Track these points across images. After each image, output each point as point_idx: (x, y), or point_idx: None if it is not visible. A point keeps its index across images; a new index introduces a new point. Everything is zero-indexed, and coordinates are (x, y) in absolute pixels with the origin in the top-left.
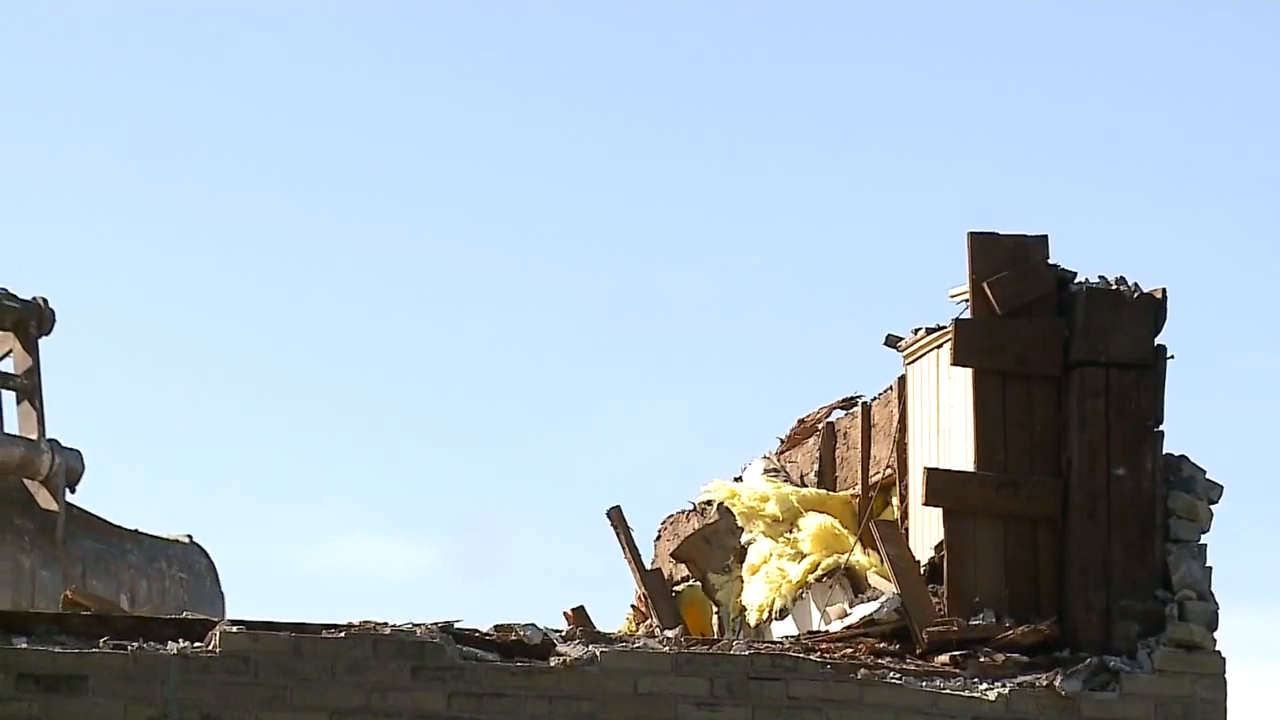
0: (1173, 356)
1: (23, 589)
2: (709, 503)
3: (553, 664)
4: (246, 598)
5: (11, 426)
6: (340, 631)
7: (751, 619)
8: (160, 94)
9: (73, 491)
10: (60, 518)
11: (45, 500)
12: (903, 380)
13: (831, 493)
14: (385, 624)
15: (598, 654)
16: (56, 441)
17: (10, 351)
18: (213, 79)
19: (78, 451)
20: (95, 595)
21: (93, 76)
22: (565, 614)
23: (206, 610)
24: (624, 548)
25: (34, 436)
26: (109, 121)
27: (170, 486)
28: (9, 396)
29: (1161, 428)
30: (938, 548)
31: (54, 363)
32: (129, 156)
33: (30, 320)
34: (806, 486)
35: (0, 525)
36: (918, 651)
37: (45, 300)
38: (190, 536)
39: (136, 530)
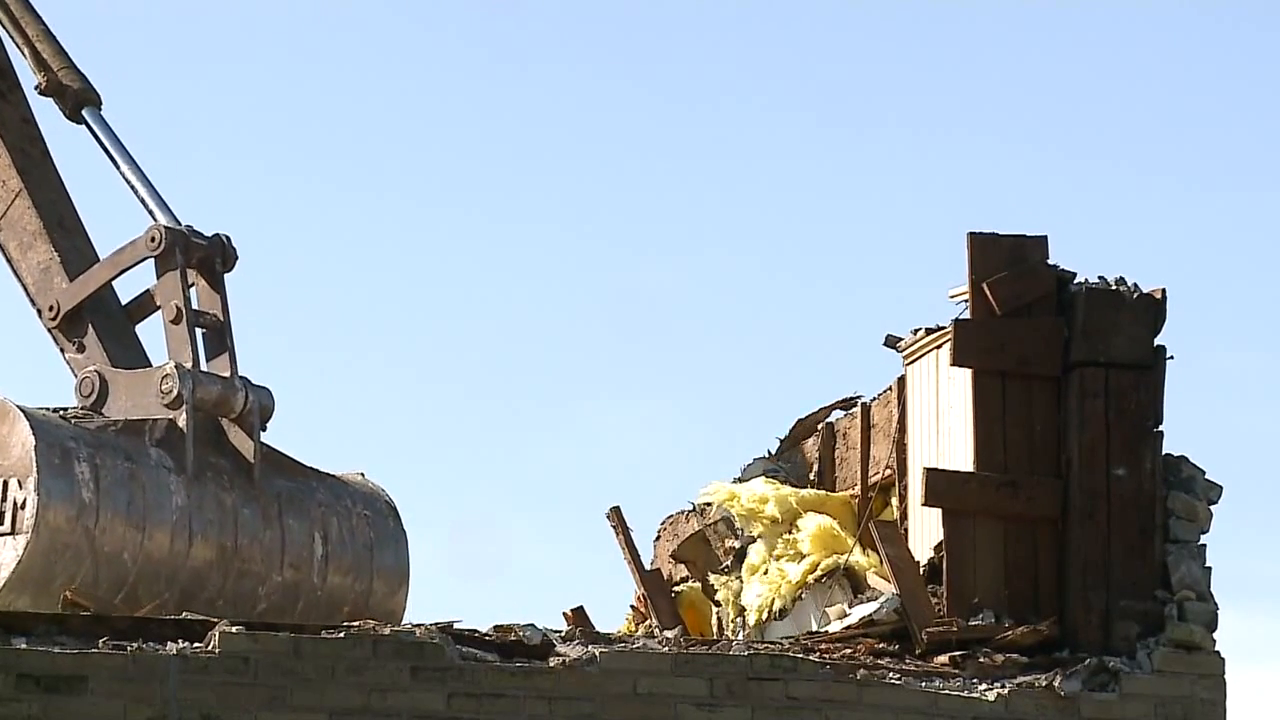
0: (1172, 357)
1: (227, 527)
2: (708, 503)
3: (552, 664)
4: None
5: (202, 364)
6: (340, 632)
7: (751, 619)
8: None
9: (264, 429)
10: (257, 456)
11: (238, 438)
12: (902, 380)
13: (831, 493)
14: (385, 624)
15: (597, 654)
16: (248, 379)
17: (194, 285)
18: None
19: (268, 389)
20: (95, 595)
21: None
22: (565, 614)
23: (392, 548)
24: (623, 548)
25: (226, 374)
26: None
27: None
28: (195, 335)
29: (1161, 428)
30: (937, 548)
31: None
32: None
33: (215, 257)
34: (806, 487)
35: (200, 464)
36: (917, 652)
37: (228, 237)
38: (363, 474)
39: (319, 469)
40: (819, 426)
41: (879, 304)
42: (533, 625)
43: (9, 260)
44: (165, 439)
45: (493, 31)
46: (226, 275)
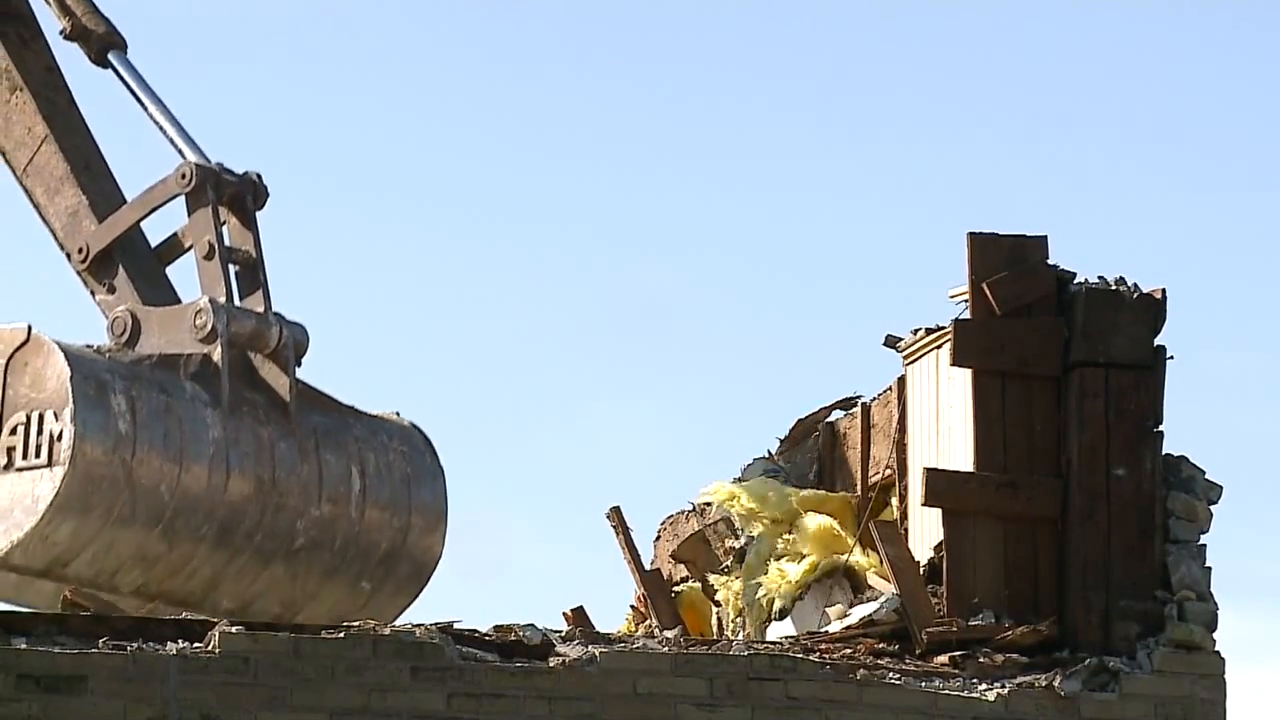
0: (1172, 357)
1: (264, 461)
2: (708, 503)
3: (552, 664)
4: None
5: (235, 301)
6: (340, 632)
7: (751, 619)
8: None
9: (299, 365)
10: (292, 390)
11: (272, 374)
12: (902, 380)
13: (831, 493)
14: (384, 624)
15: (597, 654)
16: (282, 315)
17: (225, 223)
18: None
19: (302, 325)
20: (96, 595)
21: None
22: (565, 614)
23: (429, 484)
24: (623, 548)
25: (260, 310)
26: None
27: None
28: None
29: (1161, 428)
30: (937, 548)
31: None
32: None
33: (246, 194)
34: (806, 487)
35: (235, 398)
36: (917, 652)
37: (259, 175)
38: (398, 413)
39: (354, 406)
40: (819, 426)
41: (879, 304)
42: (533, 625)
43: (37, 206)
44: (200, 373)
45: (493, 31)
46: (258, 214)
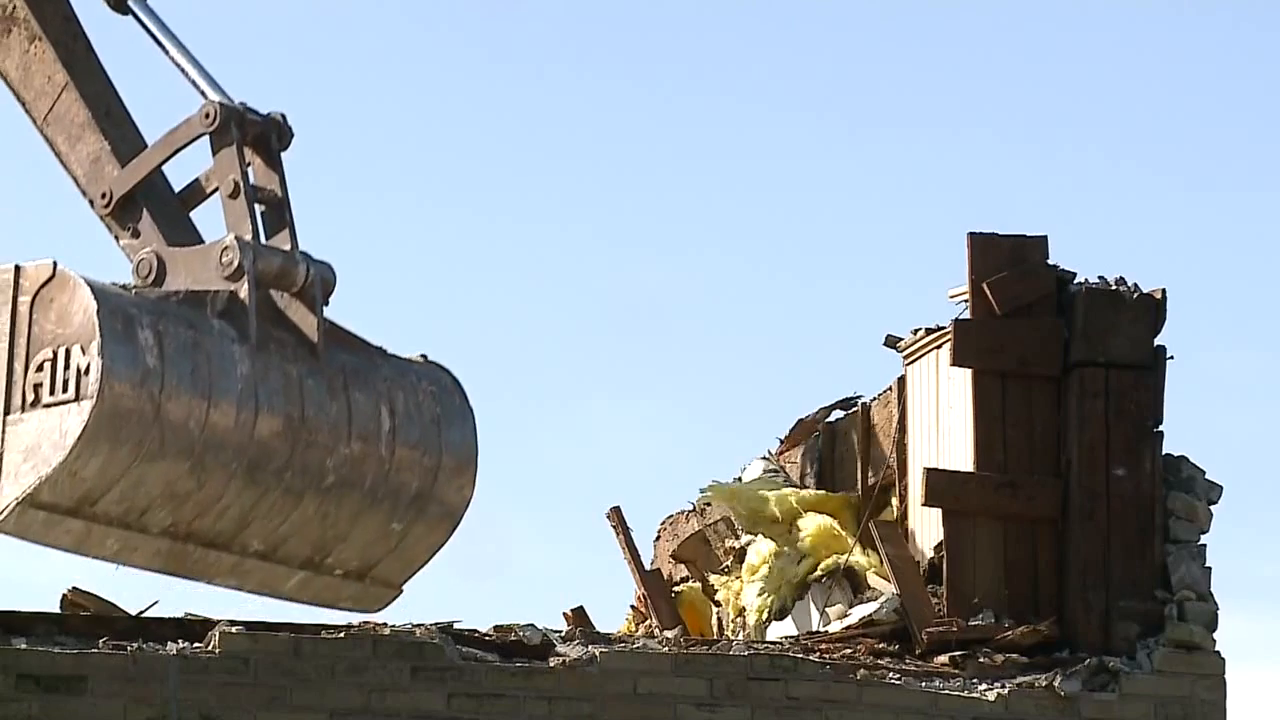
0: (1172, 357)
1: (293, 397)
2: (708, 503)
3: (552, 664)
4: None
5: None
6: (340, 632)
7: (751, 619)
8: None
9: (326, 304)
10: (320, 327)
11: (299, 314)
12: (902, 380)
13: (831, 493)
14: (385, 624)
15: (597, 654)
16: (309, 254)
17: (250, 164)
18: None
19: (329, 264)
20: (96, 596)
21: None
22: (565, 614)
23: (459, 425)
24: (623, 548)
25: (287, 248)
26: None
27: None
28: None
29: (1161, 428)
30: (937, 548)
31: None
32: None
33: (271, 134)
34: (806, 487)
35: (262, 336)
36: (917, 652)
37: (284, 115)
38: (425, 356)
39: (382, 347)
40: (819, 426)
41: (879, 304)
42: (533, 625)
43: (58, 155)
44: (227, 311)
45: (493, 31)
46: (282, 154)
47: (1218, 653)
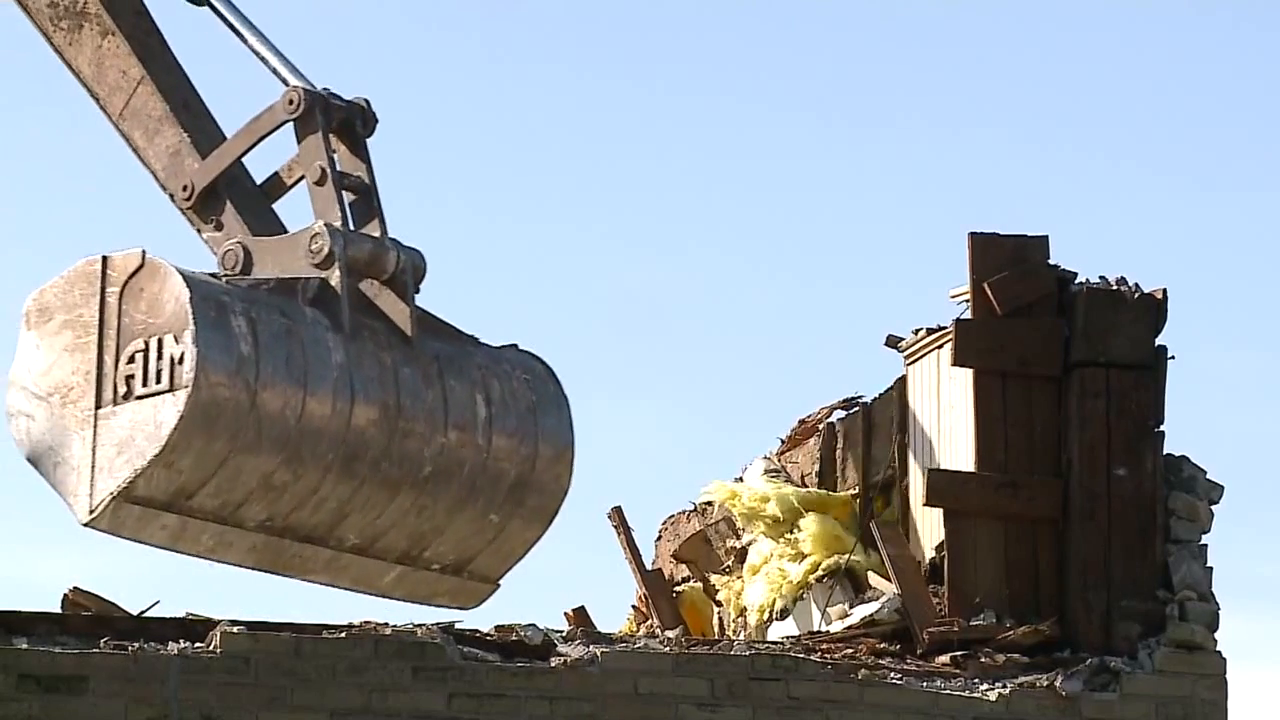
0: (1173, 357)
1: (388, 386)
2: (709, 503)
3: (553, 664)
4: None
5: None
6: (340, 632)
7: (752, 619)
8: None
9: (418, 291)
10: (412, 315)
11: (390, 302)
12: (903, 380)
13: (832, 493)
14: (386, 624)
15: (598, 654)
16: (398, 241)
17: (336, 153)
18: None
19: (419, 251)
20: (97, 596)
21: None
22: (566, 614)
23: (555, 413)
24: (624, 548)
25: (376, 234)
26: None
27: None
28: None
29: (1162, 428)
30: (938, 548)
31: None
32: None
33: (355, 120)
34: (807, 487)
35: (355, 324)
36: (918, 652)
37: (368, 101)
38: (517, 345)
39: (474, 335)
40: (820, 426)
41: (879, 304)
42: (534, 625)
43: (136, 150)
44: (318, 299)
45: (493, 31)
46: (368, 141)
47: (1219, 653)
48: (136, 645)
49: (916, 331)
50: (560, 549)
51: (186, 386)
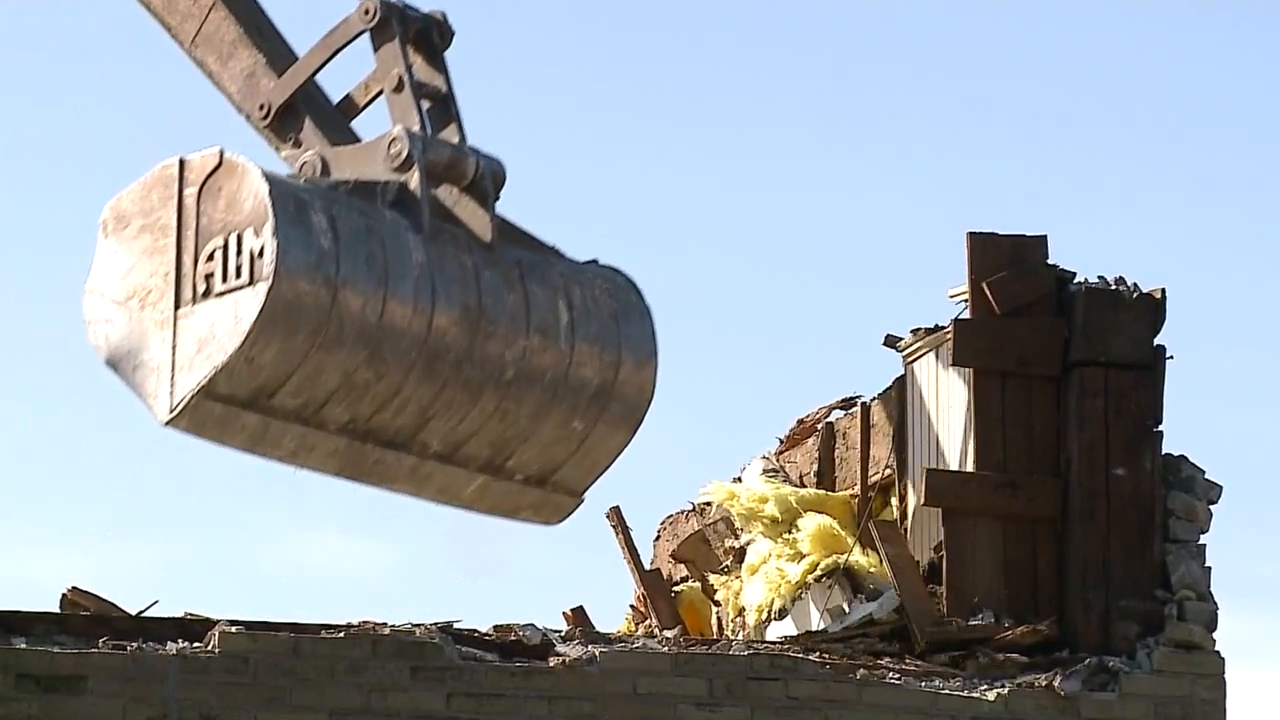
0: (1172, 357)
1: (469, 287)
2: (708, 503)
3: (552, 664)
4: (240, 596)
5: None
6: (339, 632)
7: (750, 619)
8: None
9: (497, 198)
10: (492, 219)
11: (469, 210)
12: (902, 380)
13: (831, 493)
14: (384, 624)
15: (597, 654)
16: (477, 149)
17: (412, 66)
18: None
19: (498, 159)
20: (96, 595)
21: None
22: (564, 614)
23: (638, 321)
24: (623, 548)
25: (455, 141)
26: None
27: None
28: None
29: (1161, 428)
30: (937, 548)
31: None
32: None
33: (432, 30)
34: (805, 487)
35: (435, 227)
36: (917, 652)
37: (444, 14)
38: (596, 261)
39: (555, 246)
40: (819, 426)
41: (879, 304)
42: (533, 625)
43: (210, 75)
44: (398, 202)
45: (493, 31)
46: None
47: (1217, 652)
48: (135, 645)
49: (916, 331)
50: (559, 549)
51: (267, 279)
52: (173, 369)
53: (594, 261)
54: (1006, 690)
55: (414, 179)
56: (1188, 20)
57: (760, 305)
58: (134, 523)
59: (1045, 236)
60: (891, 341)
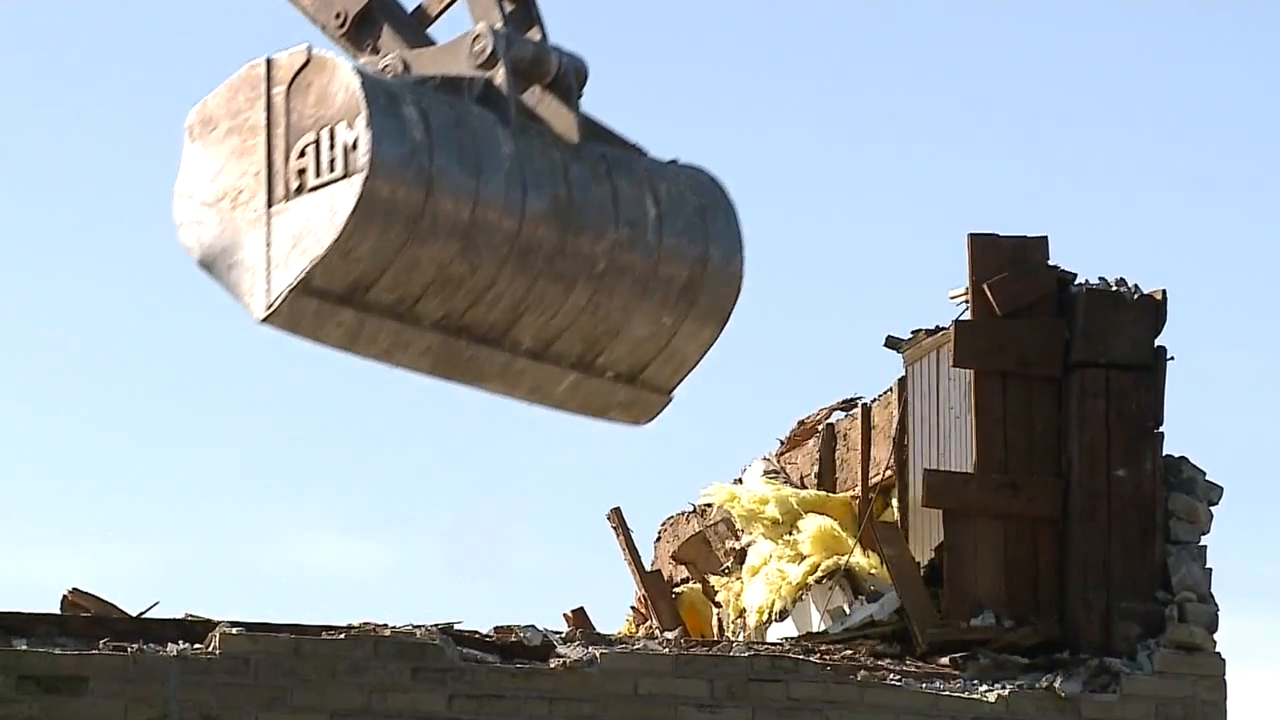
0: (1173, 358)
1: (558, 179)
2: (709, 504)
3: (553, 665)
4: (240, 597)
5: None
6: (340, 633)
7: (751, 620)
8: None
9: (580, 95)
10: (577, 115)
11: (552, 108)
12: (902, 381)
13: (831, 494)
14: (385, 625)
15: (598, 655)
16: (559, 47)
17: None
18: None
19: (581, 57)
20: (97, 596)
21: None
22: (565, 615)
23: (723, 216)
24: (624, 549)
25: (537, 38)
26: None
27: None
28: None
29: (1161, 429)
30: (937, 549)
31: None
32: None
33: None
34: (806, 488)
35: (521, 122)
36: (917, 653)
37: None
38: (677, 160)
39: (637, 144)
40: (819, 427)
41: (879, 304)
42: (533, 626)
43: None
44: (484, 96)
45: None
46: None
47: (1218, 653)
48: (136, 646)
49: (916, 332)
50: (559, 550)
51: (362, 170)
52: (268, 266)
53: (674, 161)
54: (1007, 691)
55: (499, 74)
56: (1188, 20)
57: (760, 306)
58: (134, 523)
59: (1046, 237)
60: (892, 343)
